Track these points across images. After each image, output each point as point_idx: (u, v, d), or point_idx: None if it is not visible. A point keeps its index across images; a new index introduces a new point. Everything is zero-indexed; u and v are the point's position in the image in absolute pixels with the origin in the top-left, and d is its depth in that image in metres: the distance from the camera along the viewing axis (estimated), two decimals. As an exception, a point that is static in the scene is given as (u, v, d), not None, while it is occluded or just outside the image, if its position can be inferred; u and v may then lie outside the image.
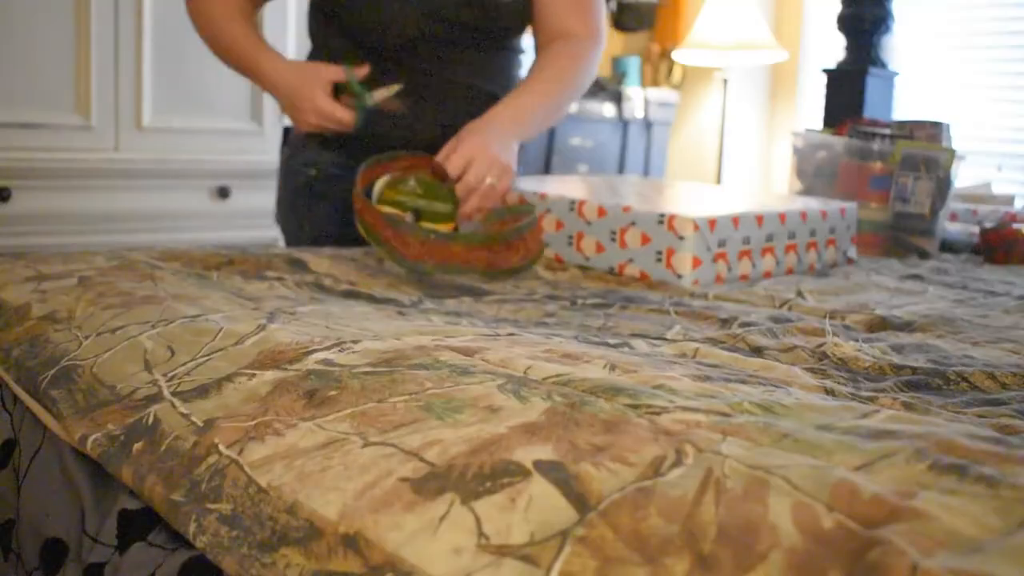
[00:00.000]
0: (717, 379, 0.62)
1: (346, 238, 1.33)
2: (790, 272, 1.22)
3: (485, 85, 1.38)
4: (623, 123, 3.37)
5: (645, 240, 1.12)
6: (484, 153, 1.18)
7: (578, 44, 1.37)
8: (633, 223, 1.13)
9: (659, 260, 1.11)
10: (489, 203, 1.18)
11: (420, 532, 0.44)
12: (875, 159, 1.49)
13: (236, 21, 1.37)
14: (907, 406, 0.62)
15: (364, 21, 1.31)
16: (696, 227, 1.08)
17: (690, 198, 1.31)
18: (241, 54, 1.36)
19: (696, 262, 1.09)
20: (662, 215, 1.10)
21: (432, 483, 0.47)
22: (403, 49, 1.32)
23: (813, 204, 1.29)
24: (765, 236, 1.17)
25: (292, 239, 1.45)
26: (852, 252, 1.35)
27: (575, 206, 1.18)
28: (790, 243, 1.21)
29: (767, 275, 1.19)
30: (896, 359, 0.76)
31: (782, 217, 1.19)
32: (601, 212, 1.16)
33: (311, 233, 1.40)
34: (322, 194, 1.39)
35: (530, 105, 1.30)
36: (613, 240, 1.15)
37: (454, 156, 1.17)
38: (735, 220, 1.13)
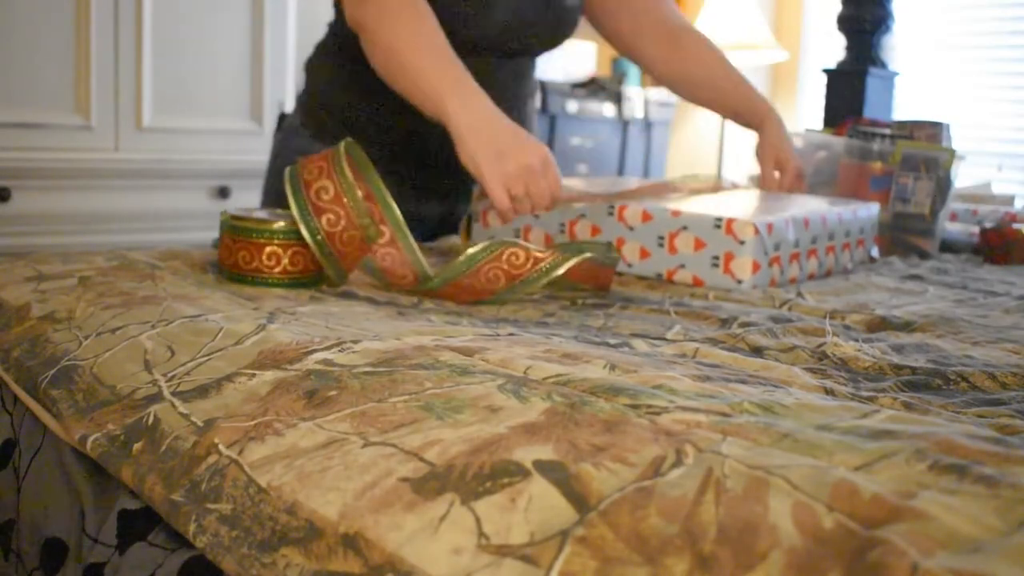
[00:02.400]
0: (717, 379, 0.62)
1: None
2: (829, 274, 1.21)
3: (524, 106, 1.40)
4: (623, 123, 3.37)
5: (699, 245, 1.08)
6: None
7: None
8: (685, 227, 1.09)
9: (715, 265, 1.07)
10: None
11: (420, 532, 0.44)
12: (875, 159, 1.49)
13: (425, 49, 1.13)
14: (907, 406, 0.62)
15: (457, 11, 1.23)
16: (756, 231, 1.06)
17: (714, 202, 1.29)
18: (427, 92, 1.12)
19: (755, 266, 1.07)
20: (719, 219, 1.07)
21: (432, 483, 0.47)
22: (479, 51, 1.27)
23: (843, 205, 1.28)
24: (810, 238, 1.16)
25: None
26: (875, 252, 1.35)
27: (615, 211, 1.14)
28: (829, 244, 1.20)
29: (811, 277, 1.17)
30: (896, 359, 0.76)
31: (823, 219, 1.18)
32: (646, 217, 1.11)
33: None
34: None
35: None
36: (661, 245, 1.11)
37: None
38: (787, 223, 1.11)
